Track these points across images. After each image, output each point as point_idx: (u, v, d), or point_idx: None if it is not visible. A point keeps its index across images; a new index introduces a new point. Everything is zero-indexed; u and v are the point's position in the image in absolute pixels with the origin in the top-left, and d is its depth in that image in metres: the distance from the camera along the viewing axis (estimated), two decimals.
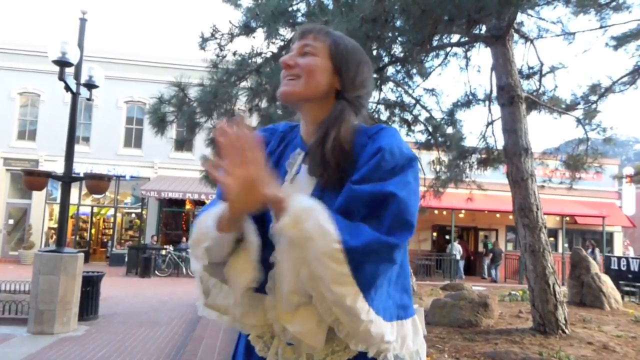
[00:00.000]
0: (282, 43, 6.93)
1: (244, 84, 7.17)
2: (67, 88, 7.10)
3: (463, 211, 18.60)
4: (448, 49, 8.19)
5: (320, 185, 1.11)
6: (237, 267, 1.06)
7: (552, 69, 8.48)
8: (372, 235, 0.94)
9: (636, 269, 12.53)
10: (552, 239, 18.08)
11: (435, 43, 6.62)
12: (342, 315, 0.94)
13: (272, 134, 1.30)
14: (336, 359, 1.04)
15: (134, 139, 20.36)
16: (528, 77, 8.54)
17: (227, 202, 1.00)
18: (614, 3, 6.94)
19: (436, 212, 17.51)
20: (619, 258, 13.66)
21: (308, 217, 0.93)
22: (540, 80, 8.47)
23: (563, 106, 8.58)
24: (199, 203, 19.86)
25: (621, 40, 7.78)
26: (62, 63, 6.75)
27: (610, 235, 21.21)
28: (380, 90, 8.40)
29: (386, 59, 6.78)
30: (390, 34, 5.45)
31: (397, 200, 0.98)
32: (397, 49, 6.39)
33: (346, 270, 0.91)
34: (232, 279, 1.06)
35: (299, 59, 1.18)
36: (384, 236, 0.95)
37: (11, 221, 19.89)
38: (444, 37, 6.81)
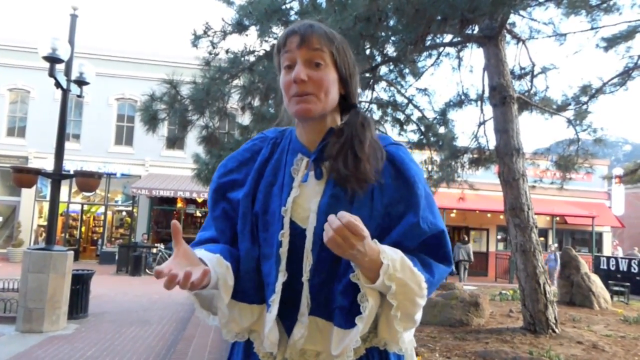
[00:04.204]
0: (275, 41, 6.91)
1: (236, 82, 7.14)
2: (58, 85, 7.03)
3: (455, 211, 18.67)
4: (441, 48, 8.20)
5: (330, 193, 1.14)
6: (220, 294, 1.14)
7: (544, 70, 8.53)
8: (444, 270, 1.17)
9: (625, 269, 12.66)
10: (542, 238, 18.19)
11: (428, 43, 6.63)
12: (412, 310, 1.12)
13: (263, 141, 1.30)
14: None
15: (125, 136, 20.24)
16: (520, 77, 8.57)
17: None
18: (604, 5, 6.98)
19: None
20: (608, 258, 13.79)
21: (401, 267, 1.06)
22: (531, 81, 8.52)
23: (554, 107, 8.62)
24: (190, 201, 19.80)
25: (611, 42, 7.82)
26: (53, 59, 6.68)
27: (600, 235, 21.41)
28: (373, 89, 8.40)
29: (379, 59, 6.78)
30: (383, 33, 5.44)
31: (445, 234, 1.17)
32: (390, 49, 6.39)
33: (424, 296, 1.11)
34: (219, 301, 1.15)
35: (311, 73, 1.14)
36: (448, 267, 1.18)
37: (0, 218, 19.70)
38: (436, 37, 6.82)
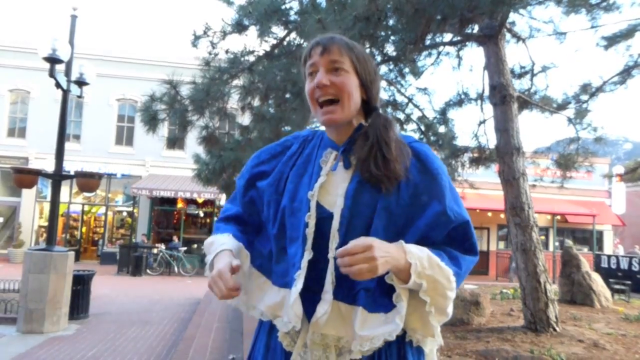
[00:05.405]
0: (274, 41, 6.91)
1: (236, 82, 7.13)
2: (58, 85, 7.04)
3: None
4: (440, 48, 8.19)
5: (358, 179, 1.22)
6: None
7: (544, 69, 8.51)
8: (470, 261, 1.23)
9: (626, 267, 12.66)
10: (543, 237, 18.19)
11: (427, 42, 6.63)
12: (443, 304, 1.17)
13: (295, 138, 1.41)
14: (367, 345, 1.14)
15: (125, 137, 20.25)
16: (520, 76, 8.56)
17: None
18: (604, 3, 6.96)
19: None
20: (609, 256, 13.78)
21: (429, 264, 1.12)
22: (531, 80, 8.50)
23: (554, 105, 8.61)
24: (191, 201, 19.80)
25: (611, 40, 7.81)
26: (53, 60, 6.68)
27: (600, 233, 21.39)
28: None
29: (379, 58, 6.78)
30: (383, 33, 5.45)
31: (470, 225, 1.24)
32: (389, 48, 6.38)
33: (454, 289, 1.17)
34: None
35: (333, 78, 1.24)
36: (475, 257, 1.23)
37: (0, 219, 19.72)
38: (436, 36, 6.82)
